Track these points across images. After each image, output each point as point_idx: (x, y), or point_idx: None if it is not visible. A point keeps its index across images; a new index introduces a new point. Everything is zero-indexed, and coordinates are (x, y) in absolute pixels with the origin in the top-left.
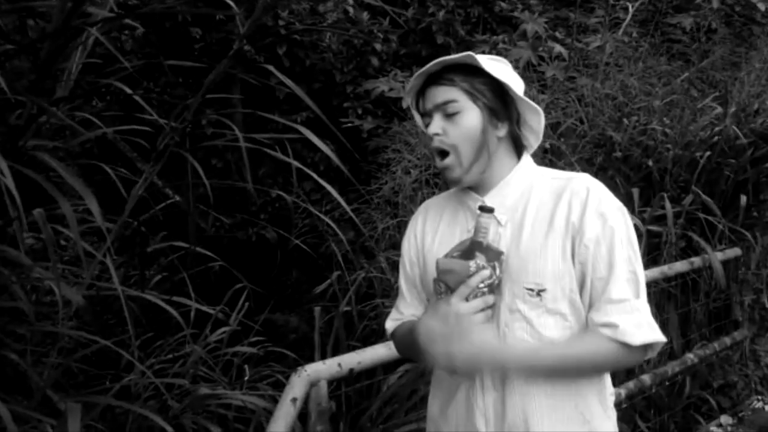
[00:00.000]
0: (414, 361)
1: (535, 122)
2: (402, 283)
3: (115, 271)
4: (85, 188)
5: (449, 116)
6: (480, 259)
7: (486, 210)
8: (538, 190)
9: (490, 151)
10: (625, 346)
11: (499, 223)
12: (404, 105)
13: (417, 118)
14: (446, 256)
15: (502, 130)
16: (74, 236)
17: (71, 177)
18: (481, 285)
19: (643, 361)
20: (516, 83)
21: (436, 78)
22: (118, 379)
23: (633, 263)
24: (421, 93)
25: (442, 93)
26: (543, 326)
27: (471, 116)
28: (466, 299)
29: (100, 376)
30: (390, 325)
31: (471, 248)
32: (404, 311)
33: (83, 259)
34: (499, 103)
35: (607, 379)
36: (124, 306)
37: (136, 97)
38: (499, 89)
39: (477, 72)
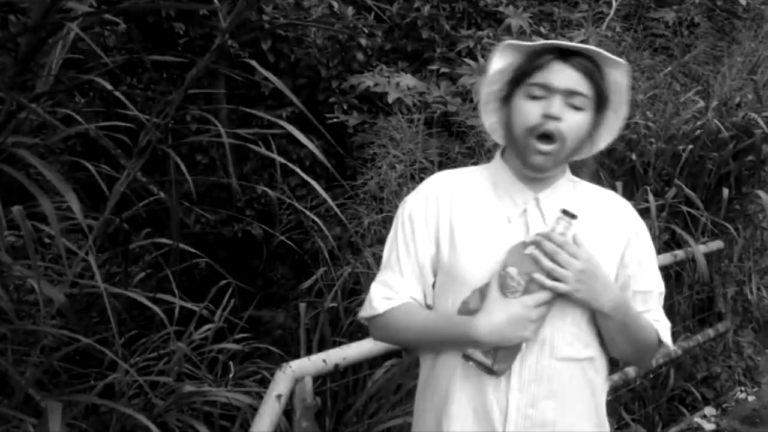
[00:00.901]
0: (399, 354)
1: (604, 139)
2: (402, 259)
3: (97, 268)
4: (66, 185)
5: (570, 107)
6: None
7: (569, 215)
8: (583, 197)
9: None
10: (658, 338)
11: (545, 223)
12: (496, 62)
13: (495, 68)
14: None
15: (588, 141)
16: (55, 234)
17: (51, 174)
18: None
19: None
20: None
21: (574, 60)
22: (101, 377)
23: (659, 280)
24: (535, 60)
25: (578, 81)
26: (588, 332)
27: (587, 119)
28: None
29: (83, 375)
30: (383, 304)
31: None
32: (399, 290)
33: (64, 257)
34: (601, 113)
35: None
36: (107, 304)
37: (118, 94)
38: (605, 104)
39: (602, 76)
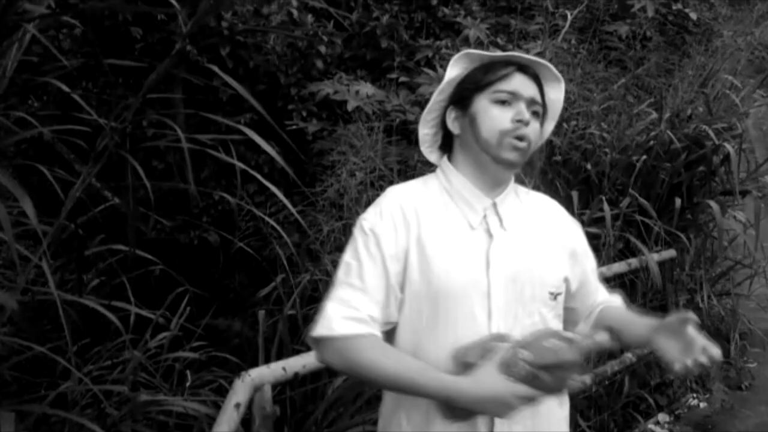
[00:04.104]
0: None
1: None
2: (367, 275)
3: (51, 275)
4: (20, 190)
5: (532, 113)
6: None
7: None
8: (527, 202)
9: None
10: None
11: (503, 226)
12: (451, 71)
13: (450, 76)
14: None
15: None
16: (8, 239)
17: (5, 178)
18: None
19: None
20: None
21: (527, 71)
22: (54, 386)
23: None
24: (495, 70)
25: (538, 93)
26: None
27: (538, 126)
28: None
29: (35, 384)
30: (345, 326)
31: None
32: (360, 308)
33: (17, 263)
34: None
35: None
36: (61, 311)
37: (75, 96)
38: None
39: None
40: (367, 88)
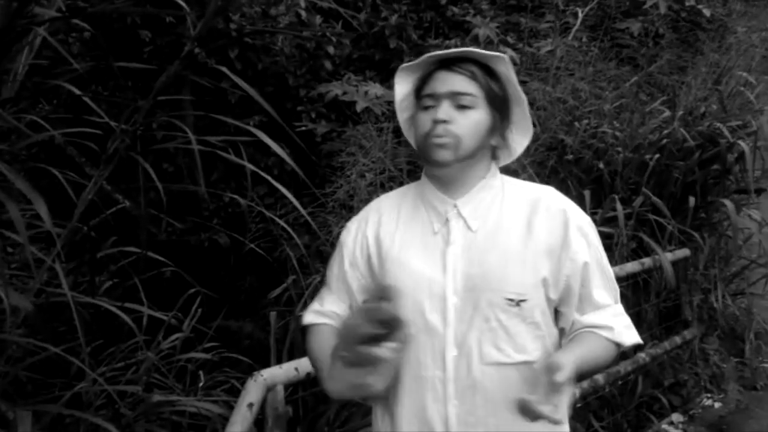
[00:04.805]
0: None
1: (518, 143)
2: (332, 276)
3: (64, 277)
4: (35, 193)
5: (460, 107)
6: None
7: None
8: (510, 199)
9: (480, 154)
10: (616, 345)
11: (469, 228)
12: (397, 89)
13: (401, 94)
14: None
15: (496, 139)
16: (23, 241)
17: (19, 180)
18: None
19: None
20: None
21: (453, 65)
22: (68, 387)
23: (609, 272)
24: (426, 76)
25: (461, 83)
26: (519, 335)
27: (482, 115)
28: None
29: (50, 385)
30: (311, 318)
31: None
32: (326, 306)
33: (32, 265)
34: (504, 112)
35: None
36: (75, 312)
37: (86, 99)
38: (505, 98)
39: (492, 73)
40: (376, 89)
